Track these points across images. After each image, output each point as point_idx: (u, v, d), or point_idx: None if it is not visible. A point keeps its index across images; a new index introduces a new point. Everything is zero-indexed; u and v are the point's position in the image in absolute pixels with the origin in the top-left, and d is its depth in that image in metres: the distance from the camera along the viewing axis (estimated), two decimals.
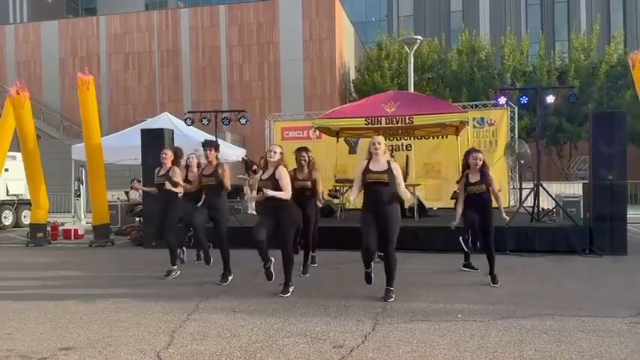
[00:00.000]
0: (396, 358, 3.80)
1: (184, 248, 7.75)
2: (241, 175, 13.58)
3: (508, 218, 6.51)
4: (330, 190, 10.83)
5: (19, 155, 16.90)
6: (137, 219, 11.81)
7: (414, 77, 16.29)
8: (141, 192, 7.19)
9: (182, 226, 7.20)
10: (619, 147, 8.66)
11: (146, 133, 10.48)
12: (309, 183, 6.85)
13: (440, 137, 12.65)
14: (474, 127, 12.73)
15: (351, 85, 27.37)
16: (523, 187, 11.97)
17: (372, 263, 5.53)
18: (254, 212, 6.76)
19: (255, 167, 9.83)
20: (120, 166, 14.27)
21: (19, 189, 16.20)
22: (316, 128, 11.32)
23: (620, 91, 22.46)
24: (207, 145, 6.62)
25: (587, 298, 5.49)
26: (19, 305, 5.50)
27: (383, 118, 10.02)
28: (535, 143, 11.14)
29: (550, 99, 10.12)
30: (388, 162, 5.44)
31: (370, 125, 10.23)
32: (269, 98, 26.16)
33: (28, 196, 15.73)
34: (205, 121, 12.16)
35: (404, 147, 12.93)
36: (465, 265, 7.17)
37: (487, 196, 6.28)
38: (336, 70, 25.83)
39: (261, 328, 4.56)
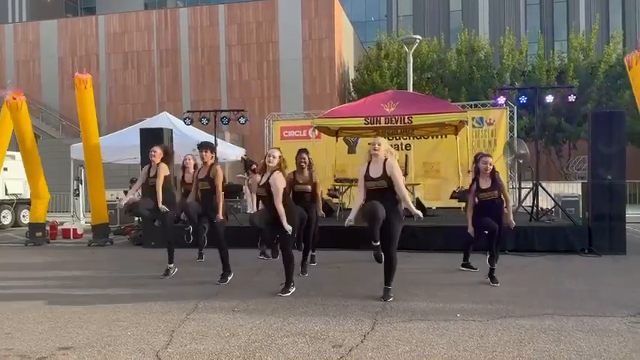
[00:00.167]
0: (395, 357, 3.80)
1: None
2: (240, 175, 13.56)
3: (514, 223, 6.49)
4: (329, 190, 10.84)
5: (18, 155, 16.89)
6: (136, 218, 11.79)
7: (413, 77, 16.29)
8: (137, 195, 7.08)
9: (180, 222, 7.14)
10: (618, 147, 8.67)
11: (145, 133, 10.46)
12: (309, 187, 6.84)
13: (439, 137, 12.66)
14: (473, 126, 12.73)
15: (351, 84, 27.37)
16: (522, 186, 11.99)
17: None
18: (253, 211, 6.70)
19: (254, 167, 9.84)
20: (119, 165, 14.26)
21: (18, 188, 16.19)
22: (315, 128, 11.32)
23: (619, 90, 22.47)
24: (202, 146, 6.56)
25: (586, 298, 5.50)
26: (17, 305, 5.49)
27: (382, 118, 10.02)
28: (534, 143, 11.16)
29: (549, 99, 10.13)
30: (385, 163, 5.24)
31: (369, 125, 10.24)
32: (268, 97, 26.16)
33: (27, 196, 15.76)
34: (204, 121, 12.15)
35: (403, 146, 12.93)
36: (463, 265, 7.17)
37: (499, 202, 6.20)
38: (335, 69, 25.83)
39: (261, 327, 4.56)
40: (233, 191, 13.54)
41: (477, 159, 6.41)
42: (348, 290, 6.00)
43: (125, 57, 27.69)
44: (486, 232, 6.21)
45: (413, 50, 15.90)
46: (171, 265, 6.93)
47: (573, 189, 15.05)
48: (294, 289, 5.80)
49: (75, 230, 12.07)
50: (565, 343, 4.05)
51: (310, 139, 11.89)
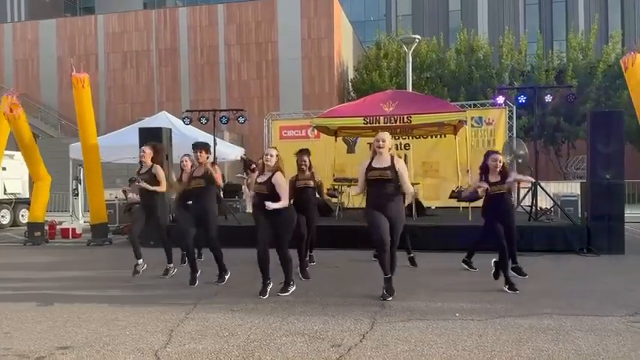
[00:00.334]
0: (394, 356, 3.80)
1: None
2: (239, 175, 13.57)
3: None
4: (328, 190, 10.83)
5: (16, 154, 16.90)
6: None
7: (412, 76, 16.30)
8: (132, 195, 7.06)
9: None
10: (616, 146, 8.68)
11: (144, 132, 10.45)
12: (311, 182, 6.83)
13: (438, 136, 12.66)
14: (472, 126, 12.74)
15: (350, 84, 27.37)
16: (521, 186, 11.99)
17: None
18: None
19: (253, 166, 9.85)
20: (118, 165, 14.27)
21: (17, 188, 16.18)
22: (314, 127, 11.32)
23: (618, 90, 22.50)
24: (197, 146, 6.47)
25: (585, 298, 5.50)
26: (16, 304, 5.49)
27: (381, 118, 10.02)
28: (533, 142, 11.16)
29: (548, 98, 10.13)
30: (392, 158, 5.35)
31: (368, 124, 10.24)
32: (267, 97, 26.15)
33: (25, 195, 15.78)
34: (203, 120, 12.15)
35: (402, 146, 12.93)
36: (464, 261, 7.11)
37: (508, 196, 6.26)
38: (334, 69, 25.83)
39: (260, 327, 4.56)
40: (232, 191, 13.55)
41: (486, 156, 6.36)
42: (347, 290, 6.01)
43: (124, 56, 27.67)
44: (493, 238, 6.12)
45: (412, 50, 15.91)
46: (171, 265, 6.92)
47: (572, 188, 15.05)
48: (294, 287, 5.80)
49: (74, 230, 12.06)
50: (563, 342, 4.06)
51: (309, 139, 11.90)
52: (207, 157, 6.48)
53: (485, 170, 6.30)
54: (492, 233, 6.07)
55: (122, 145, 12.40)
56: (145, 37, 27.50)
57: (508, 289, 5.79)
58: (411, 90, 15.38)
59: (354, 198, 11.48)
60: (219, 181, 6.51)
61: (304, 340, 4.17)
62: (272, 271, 5.74)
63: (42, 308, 5.30)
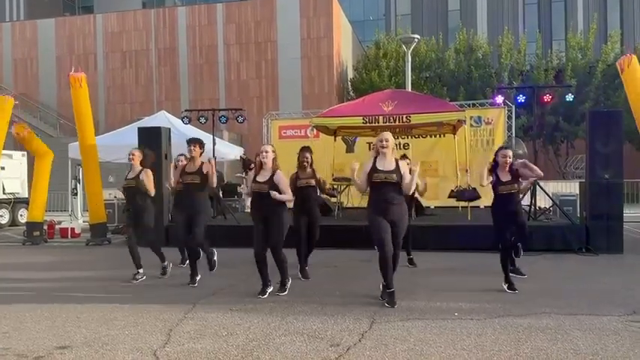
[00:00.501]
0: (393, 356, 3.81)
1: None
2: (239, 174, 13.57)
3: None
4: (327, 189, 10.83)
5: (15, 154, 16.93)
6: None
7: (411, 76, 16.30)
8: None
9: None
10: (615, 146, 8.69)
11: (143, 132, 10.45)
12: (312, 180, 6.74)
13: (437, 136, 12.67)
14: (471, 125, 12.75)
15: (349, 83, 27.37)
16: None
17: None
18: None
19: (252, 166, 9.86)
20: (117, 164, 14.23)
21: (16, 187, 16.17)
22: (314, 127, 11.33)
23: (617, 90, 22.50)
24: (191, 141, 6.37)
25: (584, 297, 5.51)
26: (15, 304, 5.49)
27: (380, 117, 10.02)
28: (532, 142, 11.17)
29: (547, 98, 10.14)
30: (396, 160, 5.24)
31: (368, 124, 10.24)
32: (266, 97, 26.14)
33: (24, 195, 15.77)
34: (203, 120, 12.14)
35: (401, 146, 12.94)
36: (512, 271, 6.35)
37: (517, 196, 6.06)
38: (333, 68, 25.82)
39: (258, 326, 4.56)
40: (231, 190, 13.55)
41: (497, 152, 6.11)
42: (346, 289, 6.01)
43: (123, 56, 27.64)
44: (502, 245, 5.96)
45: (411, 49, 15.91)
46: (166, 263, 6.88)
47: (571, 188, 15.05)
48: (290, 281, 5.82)
49: (73, 229, 12.05)
50: (562, 341, 4.06)
51: (308, 139, 11.90)
52: (202, 153, 6.38)
53: (495, 167, 6.00)
54: (498, 232, 5.93)
55: (121, 145, 12.35)
56: (144, 36, 27.48)
57: (507, 288, 5.77)
58: (410, 89, 15.38)
59: (353, 197, 11.51)
60: (213, 183, 6.37)
61: (303, 340, 4.18)
62: (270, 274, 5.73)
63: (41, 308, 5.30)
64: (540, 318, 4.70)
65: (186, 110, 12.79)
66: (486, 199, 11.50)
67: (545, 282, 6.38)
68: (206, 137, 12.82)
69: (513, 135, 12.92)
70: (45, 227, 11.61)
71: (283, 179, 5.57)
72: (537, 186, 9.85)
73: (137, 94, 27.53)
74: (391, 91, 12.67)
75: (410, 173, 5.21)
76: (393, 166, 5.18)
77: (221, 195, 12.25)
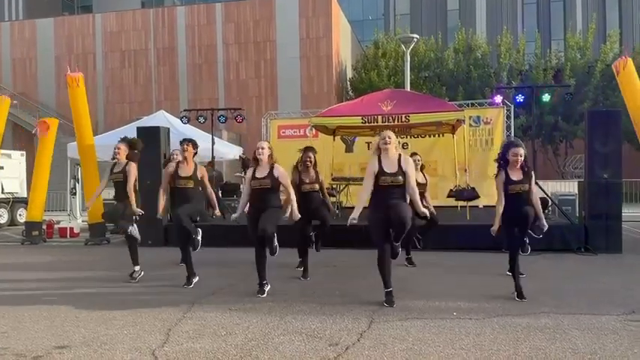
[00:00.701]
0: (392, 355, 3.81)
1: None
2: (238, 174, 13.57)
3: (546, 226, 5.70)
4: (327, 189, 10.84)
5: (14, 153, 16.92)
6: (133, 217, 11.78)
7: (410, 76, 16.31)
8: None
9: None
10: (614, 146, 8.71)
11: (142, 131, 10.45)
12: (316, 185, 6.62)
13: (436, 135, 12.67)
14: (470, 125, 12.75)
15: (348, 83, 27.37)
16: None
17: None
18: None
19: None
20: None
21: (15, 187, 16.16)
22: (313, 126, 11.33)
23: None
24: (184, 141, 6.26)
25: (582, 296, 5.51)
26: (14, 304, 5.48)
27: (379, 117, 10.02)
28: (531, 142, 11.17)
29: (546, 97, 10.15)
30: (399, 158, 5.09)
31: (367, 124, 10.24)
32: (266, 96, 26.13)
33: (23, 195, 15.76)
34: (201, 119, 12.15)
35: (400, 145, 12.94)
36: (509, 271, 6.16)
37: (528, 196, 5.47)
38: (332, 68, 25.82)
39: (257, 326, 4.56)
40: (230, 190, 13.55)
41: (505, 148, 5.59)
42: (345, 289, 6.01)
43: (122, 56, 27.62)
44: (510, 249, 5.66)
45: (410, 49, 15.92)
46: (137, 268, 6.67)
47: (570, 188, 15.07)
48: (278, 248, 5.69)
49: (72, 229, 12.04)
50: (561, 341, 4.07)
51: (307, 138, 11.90)
52: (195, 154, 6.29)
53: (504, 165, 5.49)
54: (507, 236, 5.55)
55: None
56: (143, 36, 27.45)
57: (517, 296, 5.37)
58: (409, 89, 15.38)
59: (352, 197, 11.51)
60: (209, 187, 6.31)
61: (302, 339, 4.18)
62: (269, 270, 5.74)
63: (39, 307, 5.29)
64: (539, 317, 4.70)
65: (185, 110, 12.80)
66: (486, 198, 11.56)
67: (543, 281, 6.38)
68: (205, 137, 12.87)
69: (512, 134, 12.92)
70: (44, 227, 11.60)
71: (283, 173, 5.55)
72: (536, 186, 9.84)
73: (136, 93, 27.51)
74: (390, 90, 12.66)
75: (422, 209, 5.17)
76: (396, 167, 5.04)
77: (220, 195, 12.25)
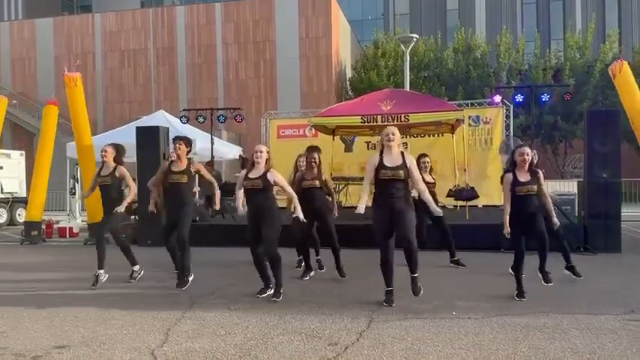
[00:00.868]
0: (391, 355, 3.81)
1: None
2: (238, 174, 13.55)
3: (558, 223, 5.84)
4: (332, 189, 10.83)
5: (14, 153, 16.92)
6: (132, 217, 11.78)
7: (409, 75, 16.31)
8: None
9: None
10: (613, 145, 8.71)
11: (141, 131, 10.46)
12: (317, 182, 6.57)
13: (435, 135, 12.67)
14: (470, 125, 12.75)
15: (348, 83, 27.37)
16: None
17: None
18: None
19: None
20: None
21: (14, 187, 16.15)
22: (312, 126, 11.33)
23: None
24: (176, 139, 6.19)
25: (581, 296, 5.52)
26: (13, 304, 5.48)
27: (379, 116, 10.02)
28: (530, 141, 11.17)
29: (545, 97, 10.15)
30: (402, 154, 5.06)
31: (366, 123, 10.25)
32: (265, 96, 26.13)
33: (22, 194, 15.76)
34: (201, 119, 12.14)
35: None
36: (540, 271, 6.19)
37: (536, 198, 5.44)
38: (332, 68, 25.82)
39: (256, 325, 4.56)
40: (230, 190, 13.52)
41: (513, 151, 5.57)
42: (344, 289, 6.01)
43: (122, 55, 27.61)
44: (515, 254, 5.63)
45: (410, 49, 15.91)
46: (102, 271, 6.50)
47: (569, 187, 15.07)
48: (271, 291, 5.63)
49: (71, 229, 12.04)
50: (560, 340, 4.07)
51: (307, 138, 11.90)
52: (189, 152, 6.23)
53: (513, 165, 5.44)
54: (512, 236, 5.45)
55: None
56: (143, 35, 27.44)
57: (516, 296, 5.39)
58: (408, 89, 15.38)
59: (351, 196, 11.51)
60: (212, 178, 6.28)
61: (301, 339, 4.18)
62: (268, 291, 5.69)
63: (38, 307, 5.29)
64: (538, 317, 4.70)
65: (184, 110, 12.78)
66: (485, 198, 11.57)
67: (542, 281, 6.37)
68: (205, 137, 12.87)
69: (512, 134, 12.92)
70: (43, 227, 11.60)
71: (279, 175, 5.53)
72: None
73: (135, 93, 27.50)
74: (390, 90, 12.67)
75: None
76: (400, 162, 5.01)
77: (219, 194, 12.20)
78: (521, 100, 10.42)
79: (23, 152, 17.38)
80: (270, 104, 24.95)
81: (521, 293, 5.41)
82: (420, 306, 5.14)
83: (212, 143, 12.14)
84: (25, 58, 28.39)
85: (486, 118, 13.13)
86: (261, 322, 4.66)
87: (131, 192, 6.55)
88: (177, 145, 6.14)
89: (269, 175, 5.46)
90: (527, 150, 5.38)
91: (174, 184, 6.13)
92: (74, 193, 13.56)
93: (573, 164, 23.09)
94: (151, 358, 3.82)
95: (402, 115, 9.93)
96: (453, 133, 11.10)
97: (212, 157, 12.34)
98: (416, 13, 36.16)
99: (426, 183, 6.98)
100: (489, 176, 12.71)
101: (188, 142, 6.27)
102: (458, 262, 7.49)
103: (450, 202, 10.82)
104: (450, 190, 10.25)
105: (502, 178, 5.62)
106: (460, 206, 11.02)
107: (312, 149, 6.73)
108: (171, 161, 6.26)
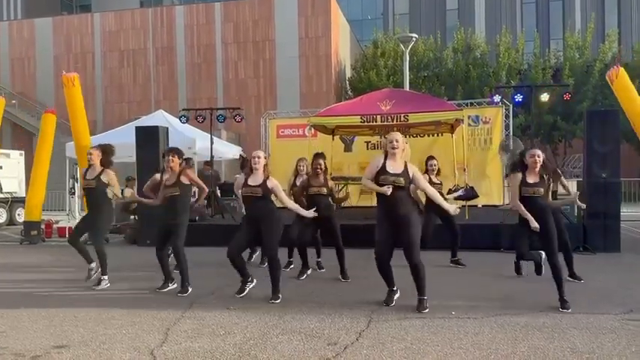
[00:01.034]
0: (390, 355, 3.81)
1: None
2: (238, 175, 13.54)
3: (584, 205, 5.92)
4: (338, 199, 10.81)
5: (13, 153, 16.91)
6: (132, 217, 11.78)
7: (409, 75, 16.32)
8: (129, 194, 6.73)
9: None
10: (613, 145, 8.72)
11: (140, 131, 10.45)
12: (324, 189, 6.53)
13: (435, 135, 12.67)
14: (469, 125, 12.75)
15: (347, 82, 27.37)
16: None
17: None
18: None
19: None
20: (114, 163, 14.26)
21: (13, 186, 16.14)
22: (311, 126, 11.32)
23: None
24: (168, 152, 6.01)
25: (581, 296, 5.51)
26: (12, 303, 5.47)
27: (378, 116, 10.02)
28: (530, 141, 11.17)
29: (545, 97, 10.16)
30: (406, 164, 4.97)
31: (365, 123, 10.24)
32: (265, 96, 26.13)
33: (22, 194, 15.74)
34: (200, 119, 12.13)
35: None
36: (570, 275, 6.27)
37: (544, 200, 5.31)
38: (331, 67, 25.82)
39: (256, 325, 4.56)
40: (229, 189, 13.53)
41: (522, 152, 5.51)
42: (344, 288, 6.02)
43: (121, 55, 27.60)
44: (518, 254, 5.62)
45: (409, 49, 15.92)
46: (105, 277, 6.38)
47: (569, 187, 15.07)
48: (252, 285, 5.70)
49: (70, 228, 11.96)
50: (559, 340, 4.07)
51: (306, 138, 11.90)
52: (181, 163, 6.03)
53: (522, 166, 5.36)
54: (515, 236, 5.48)
55: (119, 144, 12.16)
56: (142, 35, 27.43)
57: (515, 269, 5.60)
58: (408, 89, 15.38)
59: (351, 196, 11.50)
60: (203, 185, 6.16)
61: (300, 339, 4.18)
62: (261, 277, 5.69)
63: (38, 307, 5.29)
64: (537, 317, 4.71)
65: (183, 109, 12.76)
66: (484, 198, 11.56)
67: (542, 281, 6.37)
68: (204, 136, 12.87)
69: (511, 134, 12.92)
70: (42, 226, 11.59)
71: (277, 184, 5.50)
72: None
73: (135, 93, 27.50)
74: (389, 90, 12.67)
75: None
76: (401, 169, 4.92)
77: (219, 194, 12.24)
78: (520, 99, 10.41)
79: (23, 152, 17.37)
80: (270, 104, 24.95)
81: (518, 270, 5.80)
82: None
83: (211, 143, 12.12)
84: (25, 58, 28.38)
85: (486, 117, 13.13)
86: (261, 321, 4.66)
87: (117, 196, 6.49)
88: (170, 158, 5.92)
89: (269, 183, 5.43)
90: (539, 152, 5.33)
91: (168, 197, 5.96)
92: (73, 193, 13.55)
93: (573, 164, 23.10)
94: (150, 358, 3.82)
95: (402, 115, 9.93)
96: (452, 133, 11.09)
97: (211, 156, 12.33)
98: (415, 13, 36.17)
99: (435, 184, 7.03)
100: (489, 176, 12.71)
101: (180, 154, 6.08)
102: (458, 262, 7.50)
103: (451, 202, 10.85)
104: (450, 189, 10.24)
105: (506, 176, 5.59)
106: (459, 206, 11.03)
107: (318, 156, 6.71)
108: (162, 172, 6.09)
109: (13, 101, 26.29)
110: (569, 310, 4.87)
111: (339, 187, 11.20)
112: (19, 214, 15.54)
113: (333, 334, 4.28)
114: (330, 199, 6.68)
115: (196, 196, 6.71)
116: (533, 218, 5.15)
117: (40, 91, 27.82)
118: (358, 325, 4.50)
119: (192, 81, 26.89)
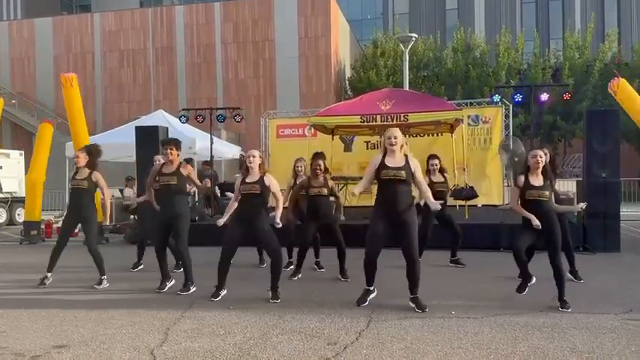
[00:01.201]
0: (390, 354, 3.81)
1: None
2: (238, 175, 13.54)
3: (583, 205, 5.88)
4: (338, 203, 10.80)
5: (13, 153, 16.91)
6: (131, 216, 11.78)
7: (409, 75, 16.34)
8: (134, 191, 6.70)
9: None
10: (613, 145, 8.72)
11: (140, 131, 10.45)
12: (325, 190, 6.48)
13: (435, 135, 12.67)
14: (469, 124, 12.75)
15: (347, 82, 27.38)
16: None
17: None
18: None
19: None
20: (114, 163, 14.23)
21: (13, 187, 16.14)
22: (311, 126, 11.32)
23: None
24: (166, 143, 5.98)
25: (580, 295, 5.51)
26: (12, 303, 5.48)
27: (378, 116, 10.03)
28: (529, 141, 11.18)
29: (544, 97, 10.16)
30: (406, 157, 4.94)
31: (365, 123, 10.25)
32: (264, 96, 26.13)
33: (22, 194, 15.74)
34: (200, 119, 12.13)
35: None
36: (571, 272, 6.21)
37: (548, 205, 5.17)
38: (331, 67, 25.82)
39: (256, 325, 4.56)
40: (229, 189, 13.53)
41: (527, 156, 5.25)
42: (343, 288, 6.01)
43: (121, 55, 27.60)
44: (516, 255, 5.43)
45: (409, 48, 15.93)
46: (104, 277, 6.40)
47: (568, 187, 15.07)
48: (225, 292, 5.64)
49: None
50: (559, 339, 4.07)
51: (306, 138, 11.90)
52: (179, 155, 6.04)
53: (527, 169, 5.21)
54: (516, 234, 5.39)
55: (119, 144, 12.38)
56: (142, 35, 27.44)
57: (518, 287, 5.39)
58: (407, 88, 15.39)
59: (350, 197, 11.50)
60: (198, 182, 6.10)
61: (300, 339, 4.18)
62: (267, 270, 5.71)
63: (38, 307, 5.29)
64: (537, 316, 4.71)
65: (183, 109, 12.77)
66: (484, 197, 11.55)
67: (542, 280, 6.37)
68: (204, 136, 12.88)
69: (511, 134, 12.92)
70: (42, 226, 11.59)
71: (274, 181, 5.50)
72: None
73: (135, 93, 27.50)
74: (389, 90, 12.67)
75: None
76: (402, 162, 4.90)
77: (218, 194, 12.22)
78: (520, 99, 10.41)
79: (22, 152, 17.37)
80: (270, 104, 24.95)
81: (524, 284, 5.40)
82: None
83: (211, 143, 12.14)
84: (24, 58, 28.38)
85: (485, 117, 13.13)
86: (261, 321, 4.66)
87: (106, 197, 6.54)
88: (169, 150, 5.91)
89: (266, 180, 5.45)
90: (541, 152, 5.20)
91: (165, 185, 5.94)
92: None
93: (572, 164, 23.11)
94: (150, 358, 3.82)
95: (401, 115, 9.94)
96: (452, 133, 11.10)
97: (211, 156, 12.34)
98: (415, 13, 36.18)
99: (435, 183, 6.99)
100: (488, 176, 12.71)
101: (178, 145, 6.07)
102: (457, 262, 7.50)
103: (450, 202, 10.86)
104: (450, 189, 10.25)
105: (515, 181, 5.44)
106: (459, 206, 11.03)
107: (317, 156, 6.67)
108: (163, 163, 6.10)
109: (13, 101, 26.29)
110: (569, 310, 4.85)
111: (339, 187, 11.22)
112: (18, 214, 15.54)
113: (333, 334, 4.28)
114: (330, 199, 6.65)
115: (196, 197, 6.71)
116: (534, 217, 5.04)
117: (40, 91, 27.82)
118: (358, 325, 4.50)
119: (192, 81, 26.89)
